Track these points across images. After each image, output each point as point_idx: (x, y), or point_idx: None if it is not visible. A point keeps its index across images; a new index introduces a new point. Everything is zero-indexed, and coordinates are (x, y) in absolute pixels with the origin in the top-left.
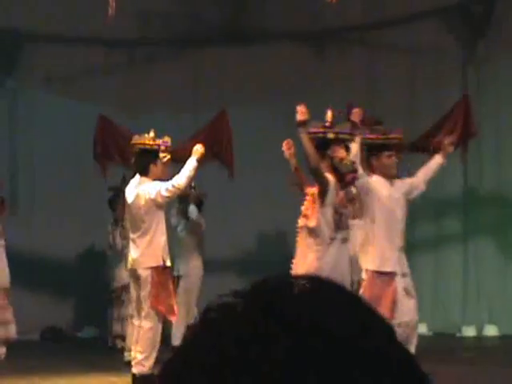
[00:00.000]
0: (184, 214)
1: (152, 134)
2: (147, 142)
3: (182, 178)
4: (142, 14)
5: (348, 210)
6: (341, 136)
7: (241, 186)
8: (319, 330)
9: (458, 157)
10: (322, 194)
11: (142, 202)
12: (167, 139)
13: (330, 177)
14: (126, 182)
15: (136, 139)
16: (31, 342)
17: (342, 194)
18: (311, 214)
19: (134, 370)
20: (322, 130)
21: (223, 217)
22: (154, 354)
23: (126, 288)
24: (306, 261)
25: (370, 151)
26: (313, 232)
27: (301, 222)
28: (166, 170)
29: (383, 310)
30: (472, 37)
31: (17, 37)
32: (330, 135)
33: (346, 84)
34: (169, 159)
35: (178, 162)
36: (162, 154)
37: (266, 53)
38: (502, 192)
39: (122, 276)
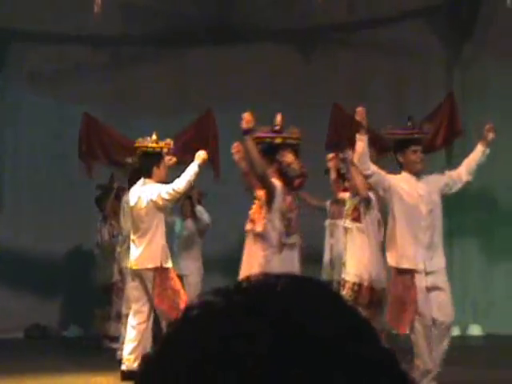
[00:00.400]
0: (187, 213)
1: (154, 136)
2: (150, 145)
3: (182, 183)
4: (127, 12)
5: (296, 214)
6: (288, 141)
7: (227, 186)
8: (299, 328)
9: (443, 158)
10: (269, 199)
11: (144, 204)
12: (170, 141)
13: (276, 182)
14: (114, 181)
15: (139, 142)
16: (16, 340)
17: (289, 198)
18: (258, 218)
19: (123, 366)
20: (269, 134)
21: (210, 216)
22: (143, 351)
23: (113, 287)
24: (252, 265)
25: (396, 148)
26: (259, 237)
27: (248, 226)
28: (168, 172)
29: (406, 307)
30: (458, 38)
31: (3, 35)
32: (277, 140)
33: (333, 84)
34: (174, 161)
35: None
36: (167, 157)
37: (253, 52)
38: (487, 194)
39: (110, 275)
